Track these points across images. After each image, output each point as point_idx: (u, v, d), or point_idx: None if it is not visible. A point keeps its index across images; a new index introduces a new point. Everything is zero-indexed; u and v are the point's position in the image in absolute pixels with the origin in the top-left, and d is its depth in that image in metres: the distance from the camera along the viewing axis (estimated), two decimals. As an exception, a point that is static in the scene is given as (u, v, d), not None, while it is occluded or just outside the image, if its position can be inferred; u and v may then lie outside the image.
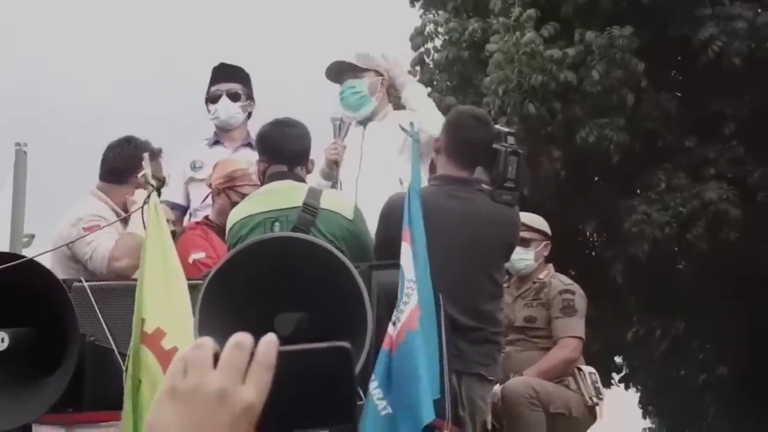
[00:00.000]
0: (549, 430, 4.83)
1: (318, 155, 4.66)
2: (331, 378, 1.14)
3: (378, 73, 5.10)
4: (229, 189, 4.80)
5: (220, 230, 4.74)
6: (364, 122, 5.07)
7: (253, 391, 1.11)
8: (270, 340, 1.13)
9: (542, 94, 11.27)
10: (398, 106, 5.35)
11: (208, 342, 1.13)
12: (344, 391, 1.14)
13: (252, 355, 1.12)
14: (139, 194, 4.56)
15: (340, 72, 5.10)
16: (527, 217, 5.27)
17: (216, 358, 1.12)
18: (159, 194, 4.15)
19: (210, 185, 5.00)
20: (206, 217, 4.96)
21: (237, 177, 4.80)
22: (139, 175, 3.89)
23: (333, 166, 4.79)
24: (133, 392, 3.66)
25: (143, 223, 3.87)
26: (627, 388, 16.25)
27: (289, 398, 1.13)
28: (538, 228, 5.32)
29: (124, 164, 4.70)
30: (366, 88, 5.04)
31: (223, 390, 1.10)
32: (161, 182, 4.49)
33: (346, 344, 1.15)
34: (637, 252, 11.44)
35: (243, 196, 4.64)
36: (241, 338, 1.13)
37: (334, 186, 4.74)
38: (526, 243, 5.17)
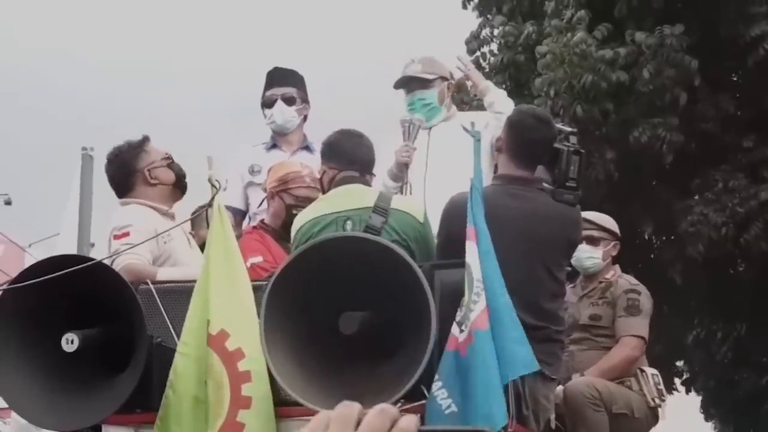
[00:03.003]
0: (611, 430, 4.80)
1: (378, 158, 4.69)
2: None
3: (444, 79, 5.11)
4: (283, 192, 4.83)
5: (276, 233, 4.78)
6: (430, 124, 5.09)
7: None
8: (412, 418, 1.15)
9: (594, 95, 11.20)
10: (461, 106, 5.36)
11: (355, 405, 1.17)
12: None
13: (394, 423, 1.14)
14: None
15: (407, 81, 5.11)
16: (598, 217, 5.26)
17: (359, 421, 1.15)
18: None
19: (265, 190, 5.03)
20: (262, 221, 4.99)
21: (290, 180, 4.83)
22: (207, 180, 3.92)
23: (403, 168, 4.81)
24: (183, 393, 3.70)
25: (207, 222, 3.91)
26: (689, 392, 16.03)
27: None
28: (608, 228, 5.28)
29: (119, 178, 4.68)
30: (436, 97, 5.06)
31: None
32: (170, 159, 4.64)
33: (486, 428, 1.17)
34: (692, 253, 11.33)
35: (297, 198, 4.69)
36: (386, 406, 1.16)
37: (402, 188, 4.77)
38: (595, 242, 5.15)
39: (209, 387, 3.72)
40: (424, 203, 4.52)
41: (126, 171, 4.63)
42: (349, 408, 1.15)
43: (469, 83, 5.32)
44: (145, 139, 4.71)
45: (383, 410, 1.14)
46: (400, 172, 4.82)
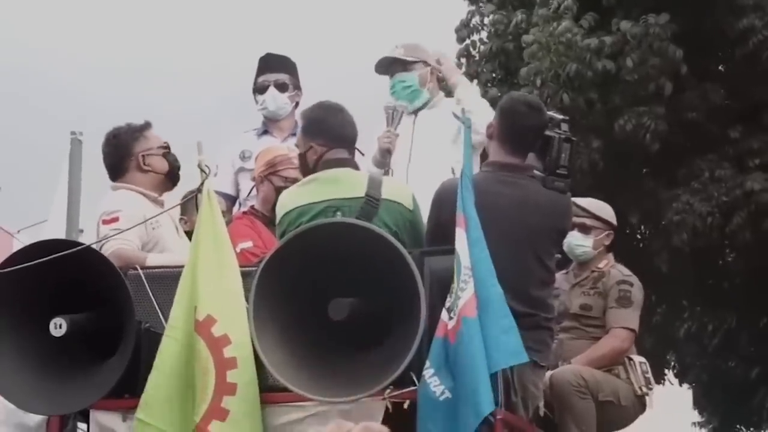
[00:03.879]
0: (598, 418, 4.81)
1: (366, 144, 4.69)
2: None
3: (426, 64, 5.13)
4: (271, 174, 4.83)
5: (266, 219, 4.77)
6: (415, 111, 5.11)
7: None
8: None
9: (579, 84, 11.23)
10: (449, 93, 5.35)
11: (347, 424, 1.17)
12: None
13: None
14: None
15: (389, 65, 5.13)
16: (592, 204, 5.23)
17: None
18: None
19: (254, 178, 5.03)
20: (252, 207, 4.99)
21: (278, 162, 4.83)
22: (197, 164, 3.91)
23: (386, 154, 4.83)
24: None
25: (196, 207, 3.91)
26: (681, 384, 16.08)
27: None
28: (602, 216, 5.23)
29: (114, 160, 4.64)
30: (416, 80, 5.08)
31: None
32: (167, 148, 4.63)
33: None
34: (677, 242, 11.39)
35: (286, 179, 4.68)
36: (372, 425, 1.16)
37: (385, 174, 4.76)
38: (586, 230, 5.12)
39: (196, 372, 3.72)
40: (413, 192, 4.51)
41: (121, 153, 4.58)
42: (341, 427, 1.16)
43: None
44: (147, 125, 4.67)
45: (368, 428, 1.14)
46: (383, 158, 4.86)
